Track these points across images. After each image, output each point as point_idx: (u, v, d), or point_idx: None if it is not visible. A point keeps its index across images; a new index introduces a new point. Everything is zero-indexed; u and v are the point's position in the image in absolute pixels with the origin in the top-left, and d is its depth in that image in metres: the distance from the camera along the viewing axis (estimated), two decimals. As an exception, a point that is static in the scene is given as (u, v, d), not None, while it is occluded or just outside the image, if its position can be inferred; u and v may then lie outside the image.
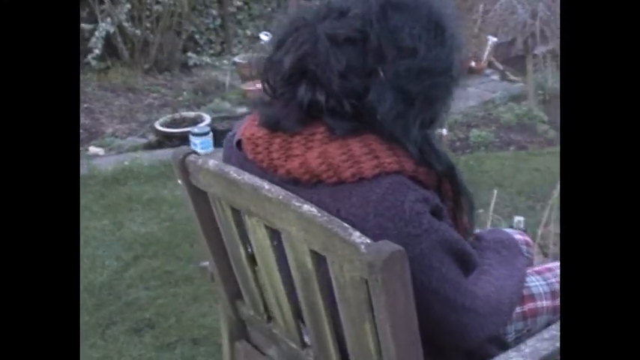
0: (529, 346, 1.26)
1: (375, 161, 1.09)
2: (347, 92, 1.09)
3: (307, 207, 1.09)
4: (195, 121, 4.88)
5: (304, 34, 1.13)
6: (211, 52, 6.93)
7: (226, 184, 1.25)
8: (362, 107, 1.10)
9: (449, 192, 1.22)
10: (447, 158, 1.18)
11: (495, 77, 7.19)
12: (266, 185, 1.16)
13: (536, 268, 1.57)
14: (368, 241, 1.01)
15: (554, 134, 5.41)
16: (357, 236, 1.03)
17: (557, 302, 1.50)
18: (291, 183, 1.15)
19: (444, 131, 5.14)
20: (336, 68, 1.09)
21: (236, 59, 6.26)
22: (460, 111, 5.73)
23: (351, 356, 1.20)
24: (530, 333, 1.48)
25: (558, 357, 1.29)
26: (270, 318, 1.44)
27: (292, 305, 1.30)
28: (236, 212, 1.30)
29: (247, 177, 1.20)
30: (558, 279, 1.53)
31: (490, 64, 7.09)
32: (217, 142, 3.94)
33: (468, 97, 6.02)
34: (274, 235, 1.22)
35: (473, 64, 6.87)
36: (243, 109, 5.64)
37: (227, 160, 1.31)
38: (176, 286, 2.62)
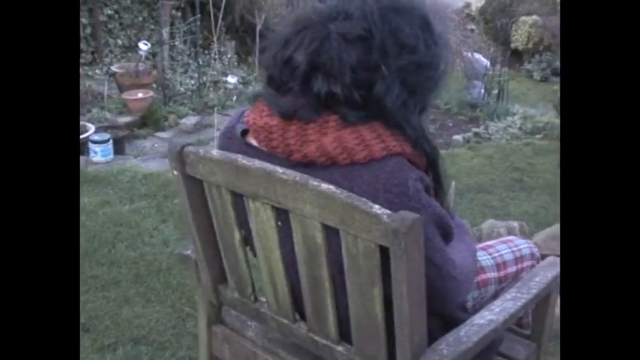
0: (497, 306, 1.46)
1: (383, 144, 1.25)
2: (357, 84, 1.24)
3: (325, 185, 1.22)
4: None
5: (313, 33, 1.26)
6: (82, 61, 6.78)
7: (234, 170, 1.35)
8: (369, 97, 1.25)
9: (431, 174, 1.39)
10: (434, 143, 1.35)
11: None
12: (279, 169, 1.27)
13: (480, 245, 1.79)
14: (388, 211, 1.16)
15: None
16: (377, 208, 1.17)
17: (501, 273, 1.72)
18: (302, 166, 1.27)
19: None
20: (348, 63, 1.23)
21: (113, 68, 6.17)
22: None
23: (352, 321, 1.33)
24: (483, 300, 1.69)
25: (521, 314, 1.50)
26: (256, 299, 1.55)
27: (288, 282, 1.42)
28: (236, 197, 1.40)
29: (258, 162, 1.31)
30: (500, 254, 1.75)
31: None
32: (116, 150, 3.92)
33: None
34: (279, 215, 1.34)
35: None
36: (125, 118, 5.59)
37: (226, 150, 1.41)
38: (104, 290, 2.62)
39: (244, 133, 1.39)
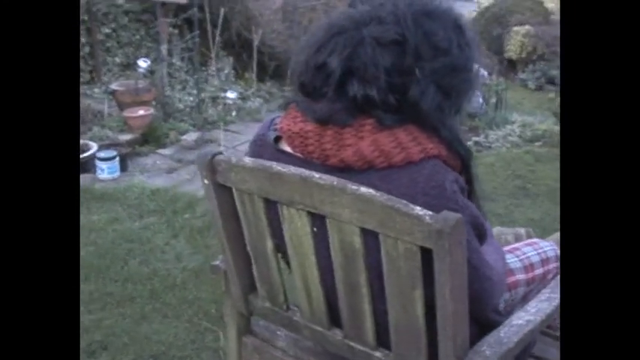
0: (533, 307, 1.45)
1: (420, 147, 1.25)
2: (392, 88, 1.24)
3: (364, 189, 1.22)
4: (82, 150, 4.78)
5: (346, 38, 1.27)
6: (81, 80, 6.77)
7: (268, 177, 1.34)
8: (404, 101, 1.25)
9: (464, 176, 1.39)
10: (468, 146, 1.35)
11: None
12: (315, 174, 1.27)
13: (506, 248, 1.79)
14: (430, 212, 1.16)
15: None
16: (418, 209, 1.17)
17: (529, 275, 1.72)
18: (338, 171, 1.27)
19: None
20: (383, 67, 1.23)
21: (113, 86, 6.16)
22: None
23: (391, 326, 1.32)
24: (513, 302, 1.68)
25: (556, 314, 1.50)
26: (288, 307, 1.54)
27: (323, 288, 1.41)
28: (269, 205, 1.40)
29: (293, 169, 1.31)
30: (527, 256, 1.75)
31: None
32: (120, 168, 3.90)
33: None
34: (314, 221, 1.33)
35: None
36: (126, 136, 5.57)
37: (258, 157, 1.40)
38: (120, 307, 2.60)
39: (277, 139, 1.38)
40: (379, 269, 1.28)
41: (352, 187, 1.23)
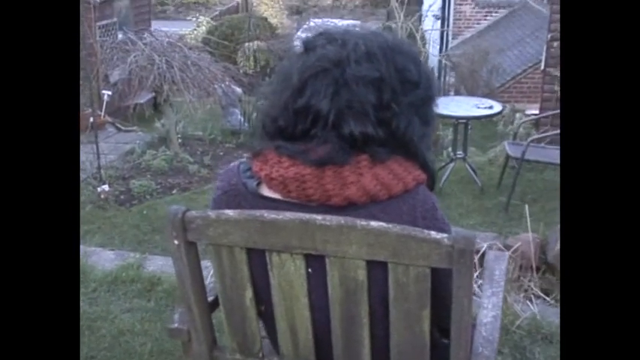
0: (488, 303, 1.61)
1: (411, 175, 1.32)
2: (379, 123, 1.30)
3: (375, 223, 1.26)
4: None
5: (328, 79, 1.29)
6: None
7: (259, 226, 1.31)
8: (390, 134, 1.32)
9: None
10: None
11: (112, 129, 7.36)
12: (317, 216, 1.28)
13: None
14: (445, 235, 1.24)
15: (206, 172, 5.84)
16: (434, 234, 1.25)
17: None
18: (337, 209, 1.30)
19: (106, 187, 5.15)
20: (370, 103, 1.29)
21: None
22: (109, 166, 5.75)
23: (394, 348, 1.38)
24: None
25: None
26: (264, 355, 1.51)
27: (312, 327, 1.42)
28: (250, 255, 1.37)
29: (289, 214, 1.30)
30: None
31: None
32: None
33: (107, 152, 6.09)
34: (309, 263, 1.34)
35: (92, 119, 6.90)
36: None
37: (236, 208, 1.36)
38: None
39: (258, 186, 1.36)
40: (382, 297, 1.33)
41: (362, 223, 1.26)
